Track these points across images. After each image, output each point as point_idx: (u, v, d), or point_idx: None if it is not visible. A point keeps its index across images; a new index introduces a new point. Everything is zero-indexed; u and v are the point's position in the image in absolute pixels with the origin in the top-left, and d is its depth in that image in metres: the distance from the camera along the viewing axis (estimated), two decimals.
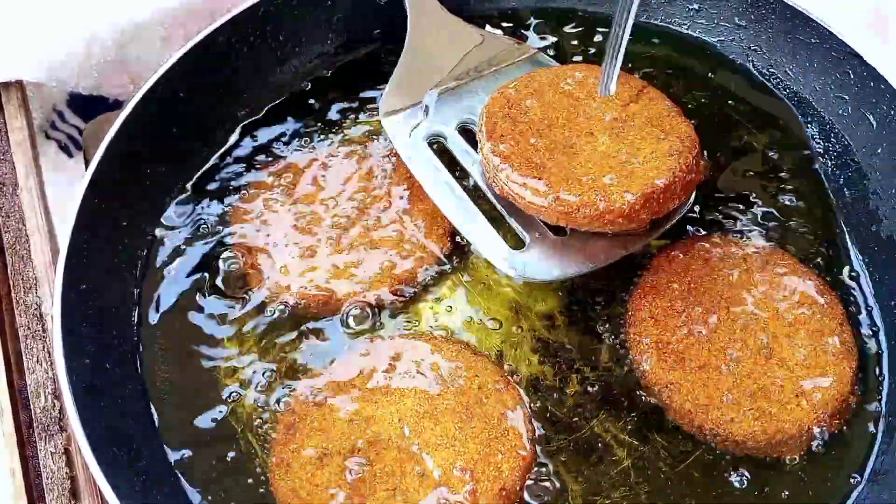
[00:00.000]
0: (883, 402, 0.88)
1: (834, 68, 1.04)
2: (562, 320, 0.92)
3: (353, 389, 0.86)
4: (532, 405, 0.86)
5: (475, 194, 0.95)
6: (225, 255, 0.95)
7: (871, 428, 0.87)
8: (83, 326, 0.86)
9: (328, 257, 0.94)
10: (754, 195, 1.00)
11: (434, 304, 0.93)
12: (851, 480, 0.84)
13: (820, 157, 1.04)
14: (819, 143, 1.05)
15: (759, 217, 0.99)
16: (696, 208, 0.99)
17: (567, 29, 1.14)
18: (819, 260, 0.96)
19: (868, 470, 0.84)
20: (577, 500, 0.82)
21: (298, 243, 0.95)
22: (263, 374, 0.89)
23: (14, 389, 0.86)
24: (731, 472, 0.84)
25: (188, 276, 0.95)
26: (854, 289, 0.94)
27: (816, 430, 0.84)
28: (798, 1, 1.06)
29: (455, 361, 0.87)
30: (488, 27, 1.12)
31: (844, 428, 0.86)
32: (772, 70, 1.09)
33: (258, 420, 0.86)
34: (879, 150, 1.00)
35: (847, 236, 0.98)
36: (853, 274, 0.95)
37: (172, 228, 0.98)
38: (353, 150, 1.03)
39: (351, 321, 0.91)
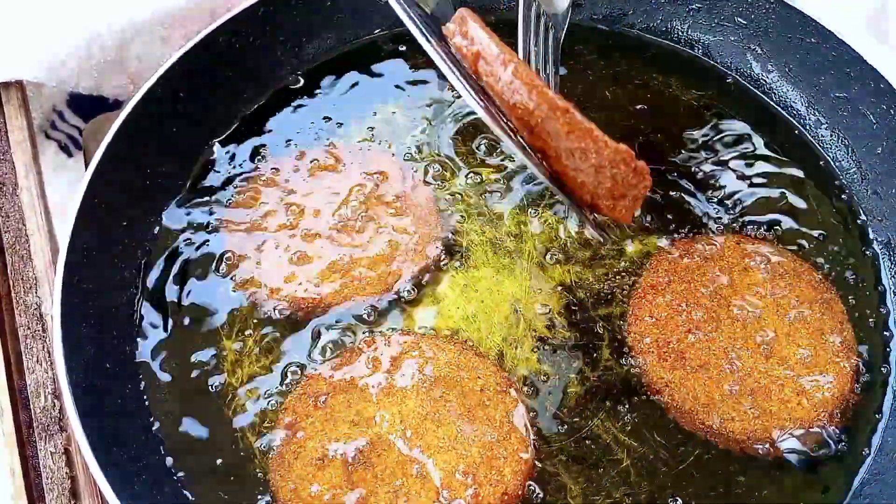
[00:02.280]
0: (884, 400, 0.88)
1: (834, 68, 1.04)
2: (562, 320, 0.92)
3: (355, 390, 0.86)
4: (532, 405, 0.86)
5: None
6: (224, 255, 0.95)
7: (872, 426, 0.87)
8: (83, 326, 0.86)
9: (328, 258, 0.94)
10: (754, 194, 1.01)
11: (434, 304, 0.93)
12: (852, 479, 0.84)
13: (820, 157, 1.04)
14: (819, 142, 1.05)
15: (758, 216, 0.99)
16: (695, 206, 0.99)
17: None
18: (819, 258, 0.96)
19: (868, 469, 0.84)
20: (577, 500, 0.82)
21: (297, 244, 0.95)
22: (263, 375, 0.89)
23: (14, 389, 0.86)
24: (732, 472, 0.84)
25: (188, 276, 0.95)
26: (855, 286, 0.95)
27: (817, 428, 0.84)
28: (798, 1, 1.06)
29: (457, 362, 0.87)
30: None
31: (845, 427, 0.86)
32: (771, 69, 1.09)
33: (258, 420, 0.86)
34: (879, 150, 1.00)
35: (847, 236, 0.98)
36: (853, 273, 0.95)
37: (172, 228, 0.98)
38: (351, 150, 1.03)
39: (352, 322, 0.91)
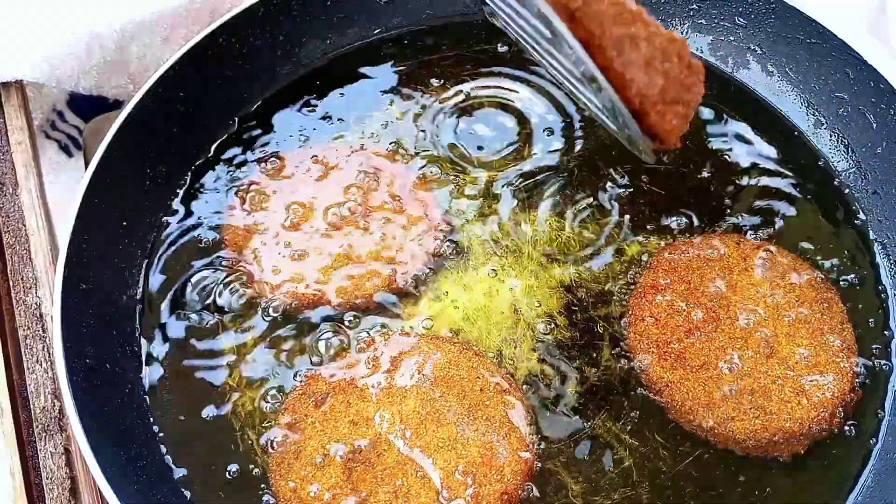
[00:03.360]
0: (886, 398, 0.88)
1: (834, 68, 1.04)
2: (562, 320, 0.92)
3: (354, 390, 0.86)
4: (532, 405, 0.86)
5: None
6: (224, 255, 0.95)
7: (872, 427, 0.87)
8: (83, 326, 0.86)
9: (328, 257, 0.94)
10: (754, 194, 1.01)
11: (434, 303, 0.93)
12: (852, 480, 0.84)
13: (820, 157, 1.04)
14: (819, 142, 1.05)
15: (758, 216, 0.99)
16: (694, 207, 0.99)
17: None
18: (819, 258, 0.96)
19: (869, 469, 0.84)
20: (577, 500, 0.82)
21: (297, 243, 0.95)
22: (263, 374, 0.89)
23: (14, 389, 0.86)
24: (732, 472, 0.84)
25: (188, 275, 0.95)
26: (855, 286, 0.94)
27: (817, 428, 0.84)
28: (798, 1, 1.06)
29: (457, 362, 0.87)
30: None
31: (845, 426, 0.86)
32: (771, 70, 1.09)
33: (258, 420, 0.86)
34: (879, 150, 1.00)
35: (847, 236, 0.98)
36: (853, 274, 0.95)
37: (172, 228, 0.98)
38: (351, 149, 1.03)
39: (351, 321, 0.91)
